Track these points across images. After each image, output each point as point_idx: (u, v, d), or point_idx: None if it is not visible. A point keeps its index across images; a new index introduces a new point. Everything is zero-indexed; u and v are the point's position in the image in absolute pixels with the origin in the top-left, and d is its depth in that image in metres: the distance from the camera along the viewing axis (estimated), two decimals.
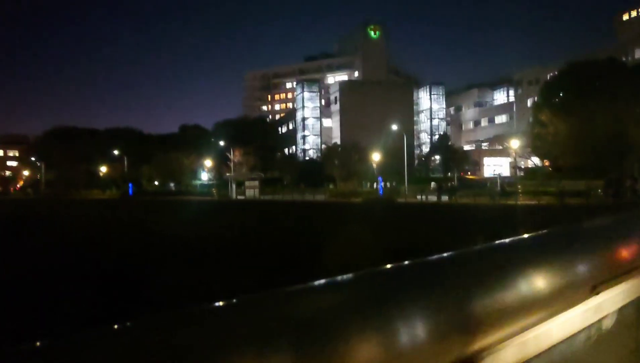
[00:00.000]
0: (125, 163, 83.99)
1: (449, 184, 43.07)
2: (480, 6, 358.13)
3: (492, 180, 64.65)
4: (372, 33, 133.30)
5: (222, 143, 78.63)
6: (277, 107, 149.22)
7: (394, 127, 66.90)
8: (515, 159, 50.99)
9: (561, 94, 49.08)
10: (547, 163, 56.06)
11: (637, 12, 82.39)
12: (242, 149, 74.20)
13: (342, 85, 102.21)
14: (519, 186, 44.57)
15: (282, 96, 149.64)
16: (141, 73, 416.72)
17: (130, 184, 66.79)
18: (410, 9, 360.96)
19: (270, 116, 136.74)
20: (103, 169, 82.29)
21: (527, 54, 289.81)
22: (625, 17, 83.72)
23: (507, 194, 42.06)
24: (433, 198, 42.90)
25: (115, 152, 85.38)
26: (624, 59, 65.10)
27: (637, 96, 39.52)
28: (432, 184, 45.60)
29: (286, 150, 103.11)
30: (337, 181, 65.39)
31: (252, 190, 59.64)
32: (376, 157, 57.74)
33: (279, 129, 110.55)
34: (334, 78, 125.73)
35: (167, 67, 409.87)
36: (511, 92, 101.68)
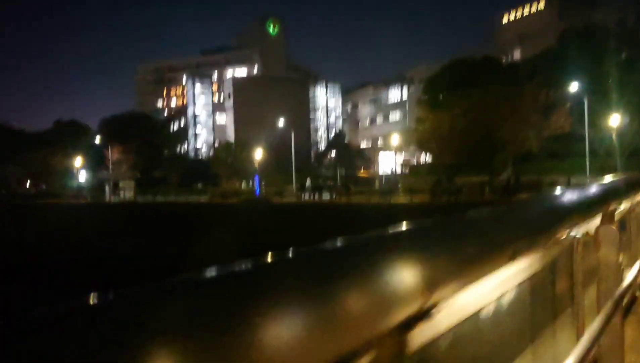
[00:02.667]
0: None
1: (327, 183, 41.69)
2: (379, 4, 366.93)
3: (383, 178, 64.87)
4: (270, 28, 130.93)
5: (97, 140, 72.49)
6: (173, 103, 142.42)
7: (281, 123, 64.81)
8: (395, 155, 50.74)
9: (440, 91, 49.47)
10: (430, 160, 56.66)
11: (515, 15, 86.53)
12: (121, 147, 68.65)
13: (236, 81, 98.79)
14: (399, 184, 44.16)
15: (179, 91, 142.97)
16: (19, 62, 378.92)
17: None
18: (309, 3, 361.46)
19: (165, 113, 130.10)
20: None
21: (422, 52, 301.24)
22: (505, 19, 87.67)
23: (386, 193, 41.41)
24: (326, 197, 41.47)
25: None
26: (503, 59, 67.68)
27: (508, 93, 40.13)
28: (307, 182, 44.08)
29: (178, 148, 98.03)
30: (222, 181, 62.29)
31: (127, 191, 55.08)
32: (258, 154, 55.22)
33: (171, 126, 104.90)
34: (233, 73, 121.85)
35: (50, 58, 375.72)
36: (405, 90, 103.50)
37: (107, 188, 57.13)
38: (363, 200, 35.79)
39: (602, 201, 2.67)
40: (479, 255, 1.11)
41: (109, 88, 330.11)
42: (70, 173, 75.05)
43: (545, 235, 1.70)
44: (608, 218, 2.67)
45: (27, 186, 76.34)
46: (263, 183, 48.57)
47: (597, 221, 2.58)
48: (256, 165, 53.88)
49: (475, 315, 1.15)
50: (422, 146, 50.47)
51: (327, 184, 42.53)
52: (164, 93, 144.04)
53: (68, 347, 0.38)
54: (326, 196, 42.31)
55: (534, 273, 1.64)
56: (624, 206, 3.24)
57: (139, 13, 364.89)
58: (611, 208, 2.77)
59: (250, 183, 55.36)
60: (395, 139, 49.62)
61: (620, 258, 2.70)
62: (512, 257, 1.31)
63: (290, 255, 0.67)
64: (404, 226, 1.03)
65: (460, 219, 1.35)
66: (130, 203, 50.48)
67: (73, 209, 45.38)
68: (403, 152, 79.77)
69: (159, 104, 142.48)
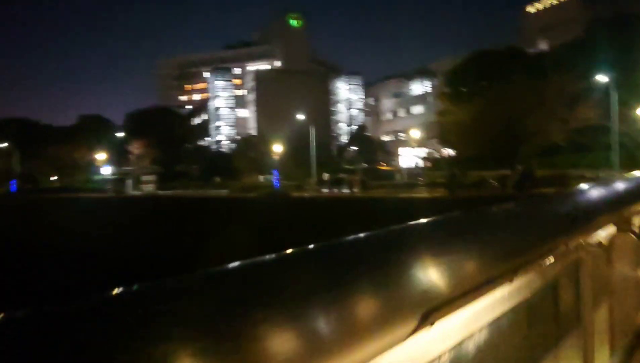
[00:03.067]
0: (17, 156, 76.60)
1: (346, 177, 41.26)
2: None
3: (405, 171, 64.14)
4: (293, 21, 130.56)
5: (120, 135, 73.27)
6: (196, 97, 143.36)
7: (301, 116, 64.45)
8: (414, 149, 49.98)
9: (463, 83, 48.52)
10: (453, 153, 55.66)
11: (541, 6, 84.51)
12: (144, 141, 69.23)
13: (258, 74, 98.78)
14: (420, 178, 43.47)
15: (201, 85, 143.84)
16: (45, 59, 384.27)
17: (13, 181, 60.33)
18: None
19: (188, 107, 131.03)
20: None
21: (447, 45, 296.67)
22: (530, 10, 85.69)
23: (405, 186, 40.83)
24: (346, 191, 41.07)
25: (3, 145, 77.63)
26: (529, 50, 66.13)
27: (533, 85, 39.00)
28: (325, 175, 43.66)
29: (201, 142, 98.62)
30: (244, 174, 62.31)
31: (149, 185, 55.52)
32: (277, 148, 55.02)
33: (193, 120, 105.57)
34: (255, 67, 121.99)
35: (76, 54, 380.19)
36: (428, 83, 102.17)
37: (129, 182, 57.64)
38: (382, 194, 35.27)
39: (616, 205, 2.19)
40: (462, 275, 0.95)
41: (133, 83, 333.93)
42: (94, 167, 76.09)
43: (544, 246, 1.36)
44: (625, 224, 2.23)
45: (52, 180, 77.57)
46: (280, 177, 48.32)
47: (611, 228, 2.14)
48: (276, 158, 53.72)
49: (468, 340, 1.04)
50: (444, 140, 49.60)
51: (346, 178, 42.04)
52: (187, 88, 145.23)
53: (78, 344, 0.38)
54: (346, 189, 41.93)
55: (533, 292, 1.34)
56: None
57: (162, 8, 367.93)
58: (629, 212, 2.30)
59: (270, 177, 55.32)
60: (416, 132, 48.80)
61: None
62: (507, 276, 1.10)
63: (295, 253, 0.67)
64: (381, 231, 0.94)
65: (446, 226, 1.13)
66: (150, 197, 50.85)
67: (93, 203, 45.87)
68: (426, 146, 78.83)
69: (182, 98, 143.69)
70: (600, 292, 2.02)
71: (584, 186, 2.31)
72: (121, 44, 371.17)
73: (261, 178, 56.04)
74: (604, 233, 2.05)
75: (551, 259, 1.40)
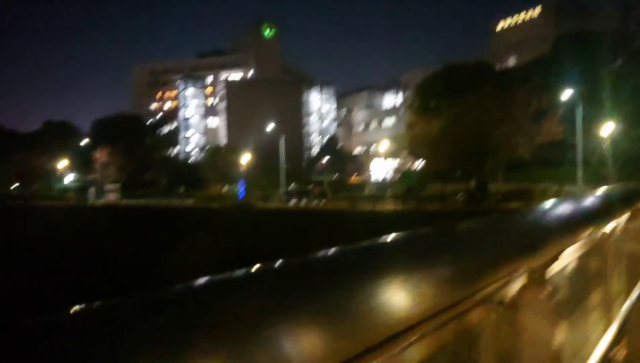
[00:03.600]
0: None
1: (309, 189, 40.70)
2: (375, 9, 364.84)
3: (375, 184, 63.86)
4: (266, 31, 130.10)
5: (84, 142, 71.39)
6: (168, 105, 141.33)
7: (272, 127, 63.75)
8: (384, 161, 49.73)
9: (431, 96, 48.60)
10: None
11: (510, 22, 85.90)
12: (109, 149, 67.46)
13: (229, 84, 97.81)
14: (388, 190, 43.13)
15: (173, 93, 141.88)
16: (17, 64, 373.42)
17: None
18: (306, 7, 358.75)
19: (160, 115, 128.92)
20: None
21: (419, 58, 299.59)
22: (500, 27, 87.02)
23: (374, 199, 40.39)
24: (308, 202, 40.43)
25: None
26: (498, 66, 66.84)
27: (499, 99, 39.17)
28: (291, 187, 43.07)
29: (170, 151, 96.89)
30: (210, 184, 61.16)
31: (112, 194, 53.92)
32: (245, 158, 54.15)
33: (163, 129, 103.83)
34: (228, 76, 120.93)
35: (48, 58, 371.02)
36: (400, 95, 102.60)
37: (92, 191, 55.93)
38: (343, 206, 34.77)
39: (529, 248, 1.62)
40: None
41: (105, 90, 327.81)
42: (58, 174, 73.87)
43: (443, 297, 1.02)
44: (538, 275, 1.62)
45: (12, 188, 75.00)
46: (246, 188, 47.45)
47: (520, 278, 1.52)
48: (242, 168, 52.77)
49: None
50: (413, 152, 49.53)
51: (309, 189, 41.48)
52: (159, 96, 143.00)
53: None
54: (307, 201, 41.34)
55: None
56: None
57: (136, 14, 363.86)
58: (546, 257, 1.69)
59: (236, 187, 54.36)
60: (385, 144, 48.61)
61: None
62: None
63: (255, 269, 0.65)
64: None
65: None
66: (112, 206, 49.33)
67: (52, 212, 44.19)
68: (398, 158, 78.86)
69: (154, 106, 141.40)
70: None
71: (497, 219, 1.75)
72: (95, 51, 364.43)
73: (225, 188, 55.00)
74: (511, 286, 1.47)
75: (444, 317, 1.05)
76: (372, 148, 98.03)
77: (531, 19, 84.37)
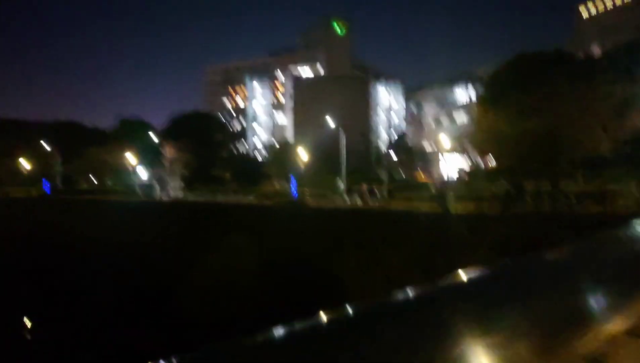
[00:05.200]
0: (57, 158, 78.05)
1: (365, 187, 38.66)
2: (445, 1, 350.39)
3: (443, 182, 60.72)
4: (336, 27, 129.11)
5: (155, 138, 73.31)
6: (240, 103, 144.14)
7: (335, 123, 62.16)
8: (459, 158, 46.67)
9: (502, 89, 45.06)
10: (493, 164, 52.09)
11: (598, 9, 79.03)
12: (177, 145, 68.73)
13: (297, 80, 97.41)
14: (450, 191, 40.23)
15: (245, 91, 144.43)
16: (92, 64, 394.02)
17: (46, 182, 60.97)
18: (374, 1, 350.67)
19: (231, 113, 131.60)
20: (26, 164, 75.73)
21: (495, 48, 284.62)
22: (586, 13, 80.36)
23: (435, 199, 37.78)
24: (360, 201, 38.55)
25: (46, 146, 79.38)
26: (581, 54, 61.49)
27: (576, 89, 35.28)
28: (340, 185, 41.22)
29: (239, 148, 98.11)
30: (273, 181, 60.72)
31: (175, 190, 54.69)
32: (304, 156, 52.96)
33: (231, 125, 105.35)
34: (298, 73, 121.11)
35: (121, 60, 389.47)
36: (473, 89, 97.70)
37: (156, 187, 57.07)
38: (397, 206, 32.57)
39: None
40: None
41: (181, 90, 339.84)
42: (130, 170, 76.49)
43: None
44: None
45: (90, 183, 78.54)
46: (302, 185, 46.18)
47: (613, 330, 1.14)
48: (302, 166, 51.64)
49: None
50: (480, 149, 46.21)
51: (355, 189, 39.46)
52: (232, 94, 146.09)
53: None
54: (359, 200, 39.41)
55: None
56: None
57: (209, 16, 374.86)
58: None
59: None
60: (446, 141, 45.70)
61: None
62: None
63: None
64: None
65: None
66: (173, 202, 49.93)
67: (114, 207, 45.27)
68: (469, 156, 74.84)
69: (227, 104, 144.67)
70: None
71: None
72: (170, 51, 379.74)
73: (276, 184, 54.11)
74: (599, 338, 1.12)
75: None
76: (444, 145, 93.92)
77: (623, 4, 77.18)
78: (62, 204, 49.40)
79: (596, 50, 70.11)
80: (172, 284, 21.11)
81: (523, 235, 17.92)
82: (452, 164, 76.11)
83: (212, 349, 0.55)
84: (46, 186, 60.60)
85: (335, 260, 20.03)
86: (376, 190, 38.33)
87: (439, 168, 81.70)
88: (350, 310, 0.65)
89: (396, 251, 20.07)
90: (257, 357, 0.55)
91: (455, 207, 29.47)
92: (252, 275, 19.51)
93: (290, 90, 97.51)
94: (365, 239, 22.43)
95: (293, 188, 42.01)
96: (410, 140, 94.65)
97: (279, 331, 0.61)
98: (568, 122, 34.05)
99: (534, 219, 24.75)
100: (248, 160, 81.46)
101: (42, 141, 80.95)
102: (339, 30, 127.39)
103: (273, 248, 22.64)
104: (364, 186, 39.13)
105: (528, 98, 36.92)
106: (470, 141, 53.08)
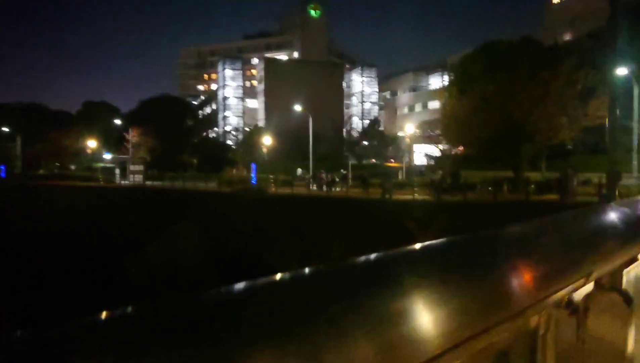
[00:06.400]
0: (18, 142, 75.46)
1: (323, 175, 37.72)
2: None
3: (411, 169, 60.20)
4: (312, 12, 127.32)
5: (118, 121, 71.25)
6: (213, 87, 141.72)
7: (305, 108, 60.93)
8: (422, 146, 46.02)
9: (468, 76, 44.36)
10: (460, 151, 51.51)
11: None
12: (140, 129, 66.88)
13: (268, 64, 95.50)
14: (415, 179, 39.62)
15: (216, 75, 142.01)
16: (66, 47, 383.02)
17: (1, 166, 58.66)
18: None
19: (202, 97, 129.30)
20: None
21: (468, 38, 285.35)
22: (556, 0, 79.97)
23: (400, 186, 36.98)
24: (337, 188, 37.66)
25: (5, 129, 76.64)
26: (552, 42, 61.03)
27: (539, 76, 34.59)
28: (298, 171, 40.20)
29: (209, 133, 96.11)
30: (239, 167, 59.36)
31: (136, 175, 52.95)
32: (269, 141, 51.73)
33: (203, 109, 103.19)
34: (272, 57, 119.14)
35: (98, 43, 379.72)
36: (446, 77, 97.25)
37: (116, 171, 55.30)
38: (355, 194, 31.70)
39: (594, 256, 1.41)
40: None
41: (155, 73, 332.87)
42: (93, 154, 74.28)
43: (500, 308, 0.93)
44: (607, 280, 1.53)
45: (50, 167, 76.13)
46: (261, 172, 45.01)
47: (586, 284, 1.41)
48: (267, 151, 50.41)
49: None
50: (447, 137, 45.53)
51: (328, 176, 38.41)
52: (205, 78, 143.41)
53: None
54: (337, 187, 38.48)
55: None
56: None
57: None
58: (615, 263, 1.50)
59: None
60: (410, 127, 44.88)
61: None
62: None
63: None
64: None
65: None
66: (133, 187, 48.30)
67: (67, 192, 43.53)
68: (442, 143, 74.34)
69: (200, 88, 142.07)
70: None
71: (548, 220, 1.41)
72: (144, 34, 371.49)
73: (243, 171, 52.89)
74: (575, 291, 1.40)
75: (503, 325, 0.95)
76: (417, 132, 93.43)
77: None
78: (14, 189, 47.41)
79: (568, 37, 69.89)
80: (103, 273, 19.87)
81: (446, 222, 17.72)
82: (422, 151, 75.66)
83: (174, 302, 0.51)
84: (1, 170, 58.26)
85: (271, 248, 19.07)
86: (337, 178, 37.38)
87: (411, 154, 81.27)
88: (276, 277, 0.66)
89: (325, 237, 19.36)
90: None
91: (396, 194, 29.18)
92: (182, 265, 18.42)
93: (260, 73, 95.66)
94: (305, 225, 21.62)
95: (253, 174, 40.77)
96: (383, 127, 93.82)
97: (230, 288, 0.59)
98: (529, 110, 33.41)
99: (464, 206, 24.59)
100: (217, 146, 79.77)
101: (1, 124, 78.30)
102: (313, 14, 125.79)
103: (212, 237, 21.57)
104: (322, 174, 38.21)
105: (490, 85, 36.17)
106: (438, 128, 52.43)
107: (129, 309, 0.45)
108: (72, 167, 76.37)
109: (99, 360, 0.38)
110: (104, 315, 0.44)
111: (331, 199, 30.46)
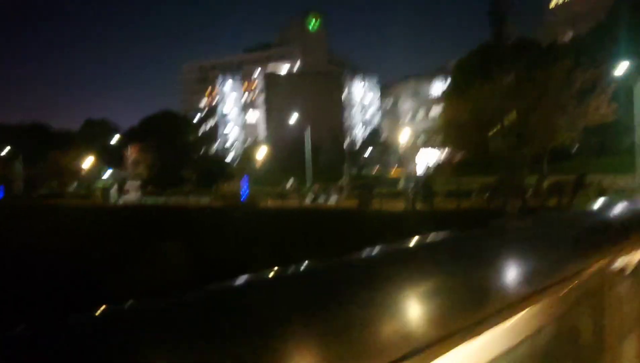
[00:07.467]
0: (19, 161, 75.33)
1: (317, 187, 36.77)
2: None
3: (413, 177, 59.02)
4: (311, 22, 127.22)
5: (118, 140, 70.91)
6: (215, 102, 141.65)
7: (304, 119, 60.15)
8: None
9: (465, 78, 43.33)
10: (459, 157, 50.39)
11: None
12: (138, 146, 66.43)
13: (267, 76, 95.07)
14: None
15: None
16: (60, 65, 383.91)
17: (0, 187, 58.40)
18: None
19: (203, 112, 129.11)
20: None
21: (470, 41, 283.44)
22: (554, 1, 78.95)
23: (395, 196, 35.88)
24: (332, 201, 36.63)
25: (6, 149, 76.66)
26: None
27: (536, 76, 33.51)
28: (289, 182, 39.28)
29: (210, 148, 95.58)
30: (236, 181, 58.46)
31: (133, 193, 52.30)
32: (263, 153, 50.92)
33: (204, 125, 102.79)
34: (274, 70, 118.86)
35: (99, 61, 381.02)
36: (449, 83, 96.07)
37: (113, 189, 54.61)
38: (348, 205, 30.73)
39: None
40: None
41: (158, 89, 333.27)
42: (94, 173, 73.92)
43: (558, 273, 1.17)
44: None
45: (52, 186, 75.93)
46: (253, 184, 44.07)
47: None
48: (263, 165, 49.58)
49: None
50: (444, 141, 44.48)
51: (321, 189, 37.41)
52: (208, 92, 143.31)
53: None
54: (333, 199, 37.42)
55: (543, 328, 1.12)
56: None
57: (184, 14, 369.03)
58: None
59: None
60: (404, 135, 43.82)
61: None
62: (507, 311, 0.93)
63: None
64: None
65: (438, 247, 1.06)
66: (127, 206, 47.61)
67: (63, 212, 42.91)
68: (445, 150, 73.14)
69: (203, 103, 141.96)
70: (627, 325, 1.67)
71: (603, 201, 1.89)
72: (145, 50, 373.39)
73: (229, 185, 52.07)
74: (631, 257, 1.65)
75: (567, 288, 1.16)
76: (419, 139, 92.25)
77: None
78: (11, 208, 46.97)
79: (568, 38, 68.72)
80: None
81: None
82: (426, 159, 74.51)
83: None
84: (0, 191, 57.99)
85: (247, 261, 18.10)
86: (332, 189, 36.39)
87: (414, 162, 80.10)
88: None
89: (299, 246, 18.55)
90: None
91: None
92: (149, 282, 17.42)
93: (260, 87, 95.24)
94: (283, 238, 20.76)
95: (244, 188, 39.87)
96: (385, 135, 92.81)
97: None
98: (526, 110, 32.31)
99: (427, 216, 23.72)
100: (216, 160, 79.15)
101: (3, 144, 78.45)
102: (312, 24, 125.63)
103: (191, 254, 20.63)
104: (317, 186, 37.30)
105: (487, 87, 35.16)
106: (438, 134, 51.36)
107: (126, 305, 0.45)
108: (74, 185, 76.07)
109: (98, 358, 0.38)
110: (100, 310, 0.43)
111: (311, 211, 29.63)
